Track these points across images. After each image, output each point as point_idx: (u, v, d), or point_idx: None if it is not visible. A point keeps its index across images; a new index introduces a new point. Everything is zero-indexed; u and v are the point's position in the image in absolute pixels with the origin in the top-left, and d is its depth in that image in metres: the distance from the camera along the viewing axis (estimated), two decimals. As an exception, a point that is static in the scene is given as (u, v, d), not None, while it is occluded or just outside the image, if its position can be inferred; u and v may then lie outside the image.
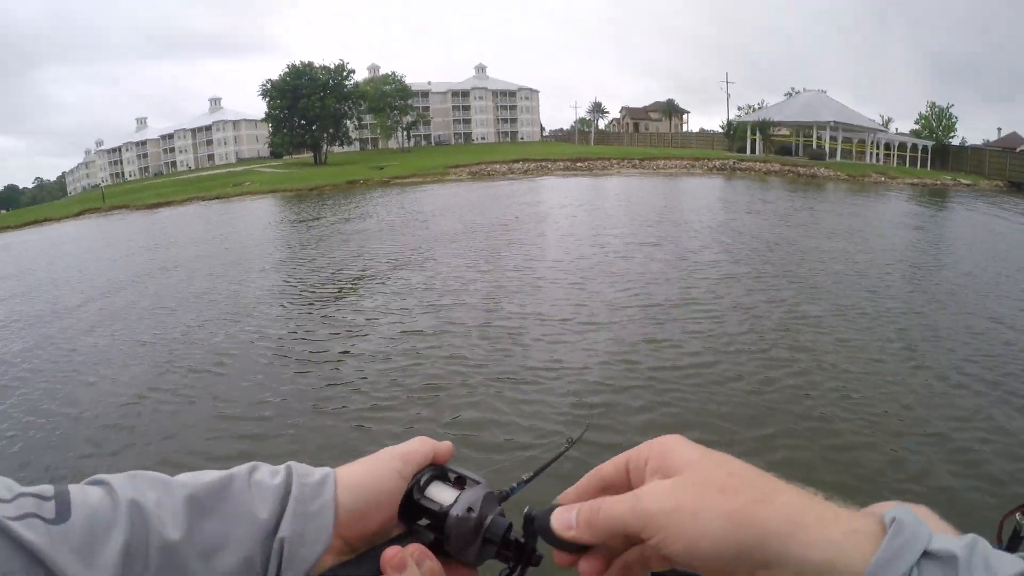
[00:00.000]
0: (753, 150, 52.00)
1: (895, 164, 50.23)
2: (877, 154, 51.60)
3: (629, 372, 5.58)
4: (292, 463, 0.54)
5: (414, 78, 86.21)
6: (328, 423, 4.99)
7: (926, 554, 0.35)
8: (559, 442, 0.67)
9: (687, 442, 0.45)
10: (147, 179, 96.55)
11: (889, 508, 0.38)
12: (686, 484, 0.41)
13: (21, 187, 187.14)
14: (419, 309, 7.95)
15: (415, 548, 0.52)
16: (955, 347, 6.27)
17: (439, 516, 0.54)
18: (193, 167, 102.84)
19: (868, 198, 26.89)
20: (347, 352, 6.56)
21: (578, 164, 43.67)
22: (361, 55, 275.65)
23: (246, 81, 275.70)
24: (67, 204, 67.72)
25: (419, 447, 0.58)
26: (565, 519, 0.47)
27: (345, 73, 66.50)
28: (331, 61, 69.67)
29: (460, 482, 0.58)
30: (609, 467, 0.50)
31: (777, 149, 52.23)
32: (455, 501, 0.54)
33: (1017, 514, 1.07)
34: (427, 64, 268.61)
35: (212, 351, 6.95)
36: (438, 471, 0.59)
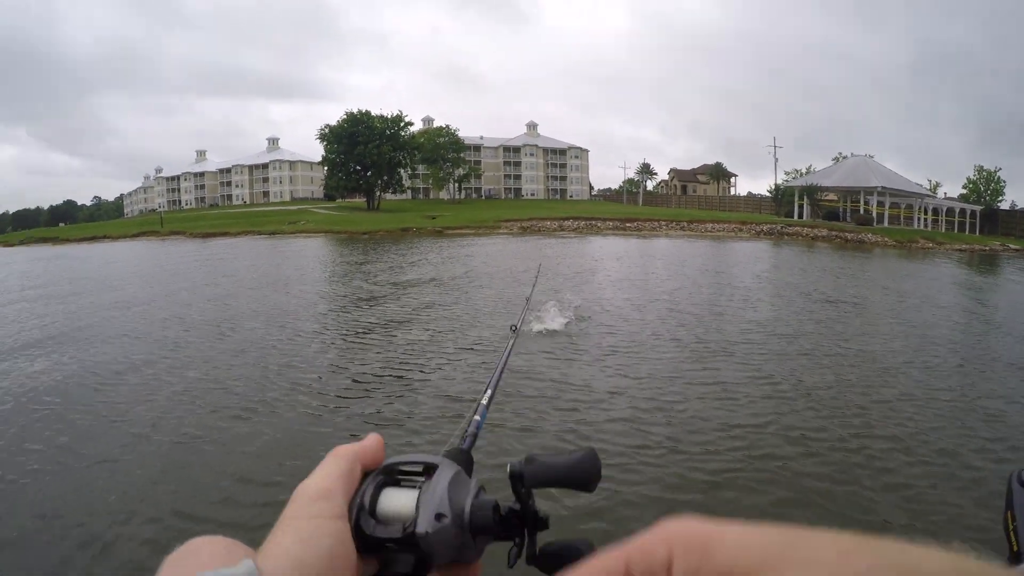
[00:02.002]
0: (800, 215, 51.85)
1: (943, 229, 49.84)
2: (925, 219, 51.27)
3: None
4: None
5: (467, 132, 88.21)
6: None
7: None
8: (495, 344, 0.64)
9: (728, 528, 0.30)
10: (203, 209, 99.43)
11: None
12: None
13: (79, 203, 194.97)
14: (469, 370, 7.48)
15: None
16: None
17: (405, 540, 0.43)
18: (248, 202, 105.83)
19: (918, 264, 26.04)
20: (385, 415, 6.14)
21: (627, 224, 43.54)
22: (415, 106, 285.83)
23: (297, 123, 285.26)
24: (127, 224, 70.26)
25: (338, 467, 0.45)
26: None
27: (402, 123, 68.19)
28: (389, 111, 71.69)
29: (413, 473, 0.47)
30: (607, 564, 0.32)
31: (824, 214, 51.87)
32: (416, 511, 0.44)
33: None
34: (479, 119, 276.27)
35: (240, 395, 6.55)
36: (380, 477, 0.47)
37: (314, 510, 0.42)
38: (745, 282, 16.57)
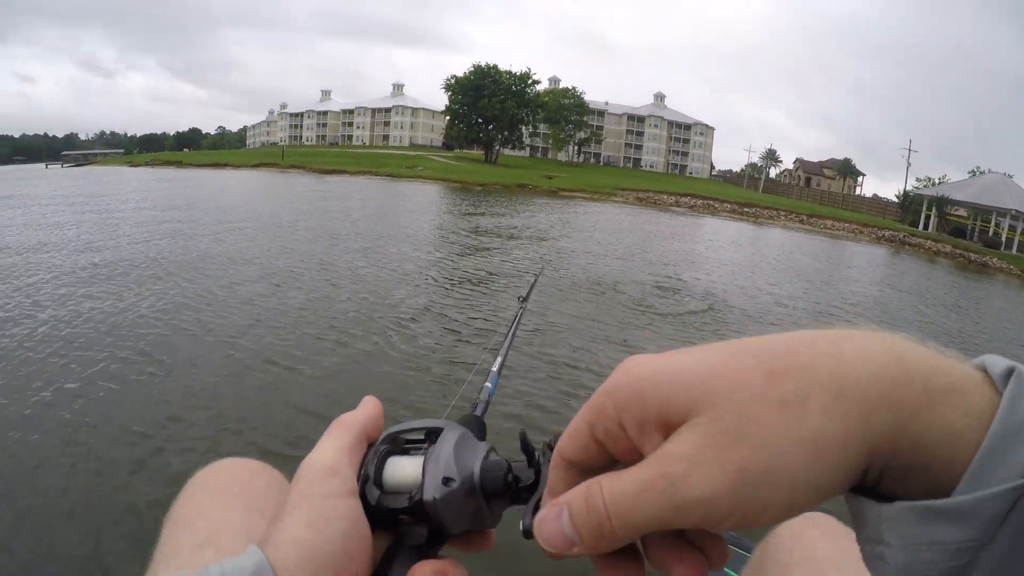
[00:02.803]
0: (926, 226, 47.59)
1: (1076, 265, 44.51)
2: (1058, 251, 45.89)
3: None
4: None
5: (591, 96, 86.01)
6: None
7: None
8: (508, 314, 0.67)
9: (665, 366, 0.29)
10: (323, 147, 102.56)
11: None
12: (726, 432, 0.26)
13: (204, 131, 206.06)
14: (588, 350, 6.51)
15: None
16: None
17: (413, 509, 0.40)
18: (367, 144, 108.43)
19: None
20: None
21: (744, 209, 41.26)
22: (539, 64, 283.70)
23: (420, 70, 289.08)
24: (248, 155, 73.31)
25: (345, 439, 0.42)
26: (558, 533, 0.30)
27: (530, 81, 67.36)
28: (515, 67, 70.96)
29: (417, 441, 0.44)
30: (577, 435, 0.32)
31: (951, 229, 47.39)
32: (422, 478, 0.40)
33: None
34: (604, 84, 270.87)
35: (334, 328, 5.80)
36: (384, 446, 0.43)
37: (324, 489, 0.39)
38: (862, 287, 15.07)
